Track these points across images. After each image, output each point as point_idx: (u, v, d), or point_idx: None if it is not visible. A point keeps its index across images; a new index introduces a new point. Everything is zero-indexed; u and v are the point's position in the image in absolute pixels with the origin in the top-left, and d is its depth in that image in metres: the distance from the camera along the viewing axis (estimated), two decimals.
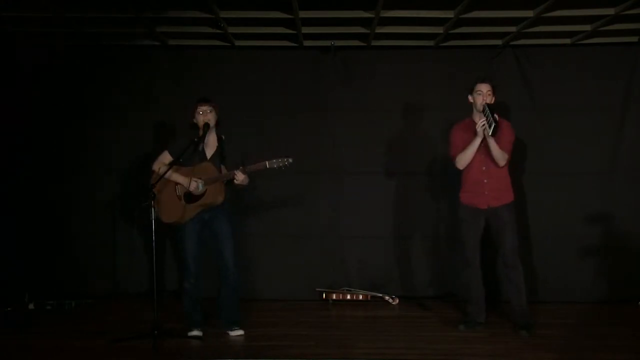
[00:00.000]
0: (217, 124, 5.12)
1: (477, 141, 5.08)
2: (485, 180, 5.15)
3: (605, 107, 6.46)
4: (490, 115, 4.96)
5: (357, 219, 6.59)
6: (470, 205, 5.21)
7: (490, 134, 4.97)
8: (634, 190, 6.41)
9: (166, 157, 5.09)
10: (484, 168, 5.15)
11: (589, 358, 4.56)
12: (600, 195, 6.42)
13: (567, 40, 6.43)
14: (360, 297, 6.38)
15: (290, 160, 4.98)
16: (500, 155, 5.08)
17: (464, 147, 5.16)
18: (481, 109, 5.09)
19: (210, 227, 5.10)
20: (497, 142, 5.05)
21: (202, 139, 5.04)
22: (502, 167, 5.14)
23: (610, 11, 5.62)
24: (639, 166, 6.42)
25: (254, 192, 6.36)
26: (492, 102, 5.12)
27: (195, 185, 5.00)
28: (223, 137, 5.16)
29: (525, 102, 6.51)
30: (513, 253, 5.17)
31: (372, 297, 6.39)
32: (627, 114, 6.45)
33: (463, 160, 5.16)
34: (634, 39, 6.37)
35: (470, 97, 5.21)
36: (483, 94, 5.10)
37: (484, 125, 5.00)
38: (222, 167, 5.09)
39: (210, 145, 5.12)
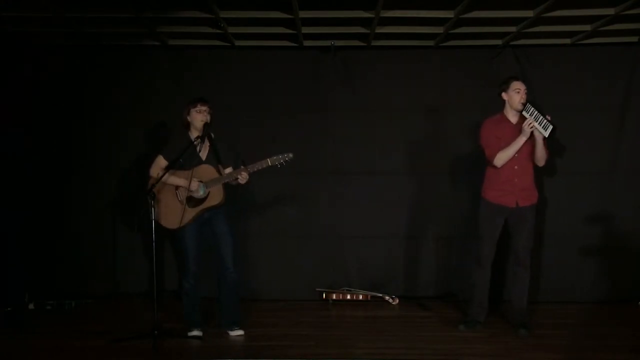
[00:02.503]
0: (210, 124, 5.10)
1: (522, 140, 5.01)
2: (516, 180, 5.11)
3: (605, 107, 6.46)
4: (543, 116, 4.95)
5: (356, 219, 6.59)
6: (497, 203, 5.15)
7: (546, 135, 4.95)
8: (634, 190, 6.41)
9: (161, 161, 5.06)
10: (515, 167, 5.11)
11: (589, 358, 4.56)
12: (600, 195, 6.42)
13: (567, 40, 6.43)
14: (360, 297, 6.38)
15: (291, 155, 4.98)
16: (544, 156, 5.09)
17: (499, 144, 5.09)
18: (521, 107, 5.06)
19: (210, 226, 5.10)
20: (534, 142, 5.03)
21: (202, 139, 5.02)
22: (532, 164, 5.13)
23: (610, 11, 5.62)
24: (639, 166, 6.42)
25: (254, 192, 6.37)
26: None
27: (197, 188, 5.00)
28: (213, 135, 5.13)
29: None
30: (526, 253, 5.17)
31: (372, 297, 6.39)
32: (627, 114, 6.45)
33: (503, 158, 5.07)
34: (634, 39, 6.37)
35: (504, 94, 5.17)
36: (521, 92, 5.10)
37: (531, 125, 4.95)
38: (220, 166, 5.08)
39: (204, 146, 5.10)
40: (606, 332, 5.29)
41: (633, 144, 6.44)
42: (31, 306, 6.20)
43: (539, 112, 4.99)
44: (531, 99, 5.18)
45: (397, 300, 6.37)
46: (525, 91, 5.13)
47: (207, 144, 5.10)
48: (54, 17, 5.78)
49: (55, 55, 6.61)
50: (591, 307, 6.16)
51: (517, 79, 5.20)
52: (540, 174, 6.39)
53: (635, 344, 4.86)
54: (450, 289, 6.50)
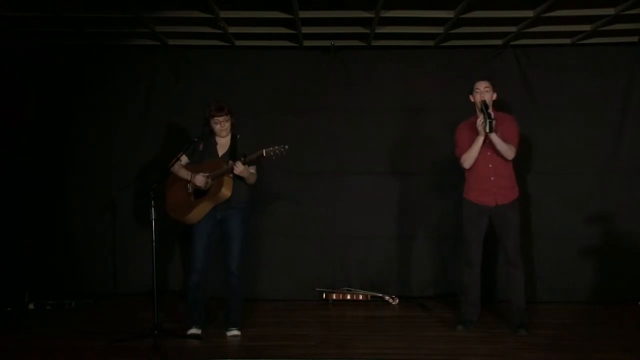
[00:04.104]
0: (233, 126, 5.14)
1: (480, 139, 5.07)
2: (492, 178, 5.14)
3: (605, 107, 6.46)
4: (485, 112, 4.99)
5: (357, 219, 6.59)
6: (477, 203, 5.19)
7: (487, 130, 4.98)
8: (634, 190, 6.41)
9: (182, 158, 5.14)
10: (490, 165, 5.14)
11: (589, 358, 4.56)
12: (600, 195, 6.42)
13: (567, 40, 6.43)
14: (360, 297, 6.38)
15: (287, 147, 4.95)
16: (506, 149, 5.07)
17: (469, 146, 5.14)
18: (480, 106, 5.11)
19: (221, 228, 5.10)
20: (503, 135, 5.05)
21: (202, 138, 5.06)
22: (509, 161, 5.14)
23: (610, 11, 5.63)
24: (639, 166, 6.42)
25: (254, 193, 6.36)
26: (494, 98, 5.14)
27: (201, 180, 5.01)
28: (238, 135, 5.17)
29: (525, 102, 6.51)
30: (516, 251, 5.17)
31: (372, 297, 6.38)
32: (627, 114, 6.45)
33: (468, 159, 5.14)
34: (634, 39, 6.37)
35: (471, 97, 5.22)
36: (481, 92, 5.12)
37: (482, 122, 5.01)
38: (230, 162, 5.08)
39: (223, 144, 5.15)
40: (606, 332, 5.29)
41: (633, 143, 6.44)
42: (31, 306, 6.20)
43: (485, 108, 5.03)
44: (495, 97, 5.16)
45: (397, 300, 6.37)
46: (487, 89, 5.12)
47: (227, 143, 5.15)
48: (54, 17, 5.78)
49: (55, 55, 6.61)
50: (591, 307, 6.16)
51: (481, 78, 5.21)
52: (540, 174, 6.43)
53: (635, 344, 4.86)
54: (450, 289, 6.49)
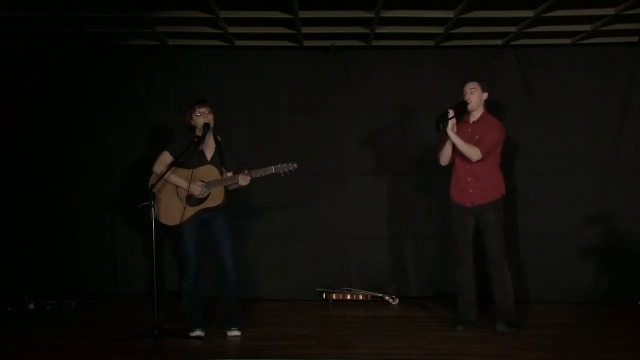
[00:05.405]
0: (214, 121, 5.10)
1: (452, 138, 5.13)
2: (469, 179, 5.19)
3: (605, 107, 6.46)
4: (447, 111, 5.06)
5: (357, 219, 6.59)
6: (458, 203, 5.26)
7: (439, 128, 5.05)
8: (634, 190, 6.41)
9: (166, 157, 5.03)
10: (467, 166, 5.20)
11: (589, 358, 4.56)
12: (600, 195, 6.42)
13: (567, 40, 6.43)
14: (360, 297, 6.38)
15: (295, 165, 5.01)
16: (467, 150, 5.10)
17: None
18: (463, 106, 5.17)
19: (209, 228, 5.09)
20: (480, 137, 5.10)
21: (202, 139, 5.02)
22: (489, 162, 5.16)
23: (610, 11, 5.63)
24: (639, 166, 6.42)
25: (254, 193, 6.37)
26: (485, 97, 5.19)
27: (200, 190, 4.99)
28: (219, 138, 5.14)
29: (525, 102, 6.52)
30: (498, 252, 5.17)
31: (372, 297, 6.38)
32: (627, 114, 6.45)
33: (442, 157, 5.29)
34: (634, 39, 6.37)
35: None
36: (467, 93, 5.19)
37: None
38: (223, 168, 5.08)
39: (209, 146, 5.10)
40: (606, 332, 5.29)
41: (633, 143, 6.44)
42: (31, 306, 6.20)
43: (458, 108, 5.10)
44: (486, 96, 5.21)
45: (397, 300, 6.37)
46: (472, 90, 5.16)
47: (212, 145, 5.10)
48: (54, 17, 5.79)
49: (55, 55, 6.61)
50: (591, 307, 6.15)
51: (470, 79, 5.24)
52: (540, 174, 6.43)
53: (635, 344, 4.86)
54: (450, 289, 6.47)
